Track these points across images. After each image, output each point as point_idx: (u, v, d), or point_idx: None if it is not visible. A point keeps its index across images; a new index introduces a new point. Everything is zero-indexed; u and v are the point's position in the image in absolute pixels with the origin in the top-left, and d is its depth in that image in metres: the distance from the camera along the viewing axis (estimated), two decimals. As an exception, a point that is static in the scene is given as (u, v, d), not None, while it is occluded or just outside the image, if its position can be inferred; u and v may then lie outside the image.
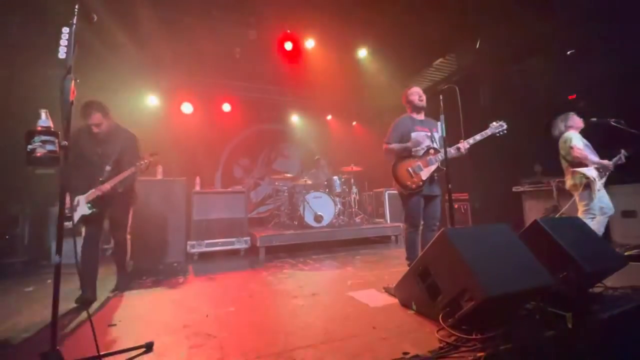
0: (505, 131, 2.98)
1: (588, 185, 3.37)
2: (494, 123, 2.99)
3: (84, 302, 2.51)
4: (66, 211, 2.50)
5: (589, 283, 2.13)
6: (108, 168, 2.75)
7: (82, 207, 2.67)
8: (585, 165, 3.42)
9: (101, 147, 2.82)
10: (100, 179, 2.71)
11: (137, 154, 2.94)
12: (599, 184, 3.34)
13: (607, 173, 3.45)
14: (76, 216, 2.64)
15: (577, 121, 3.69)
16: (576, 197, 3.51)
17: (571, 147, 3.48)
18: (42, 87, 4.24)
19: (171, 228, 4.52)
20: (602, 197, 3.38)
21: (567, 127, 3.68)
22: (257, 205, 7.39)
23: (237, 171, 7.32)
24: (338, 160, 7.75)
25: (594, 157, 3.45)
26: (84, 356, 1.50)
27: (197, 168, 6.11)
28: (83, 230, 2.87)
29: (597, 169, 3.40)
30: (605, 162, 3.42)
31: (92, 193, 2.68)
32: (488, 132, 2.97)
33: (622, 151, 3.46)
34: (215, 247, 4.70)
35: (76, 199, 2.67)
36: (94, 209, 2.69)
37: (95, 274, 2.75)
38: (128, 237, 3.25)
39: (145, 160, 2.85)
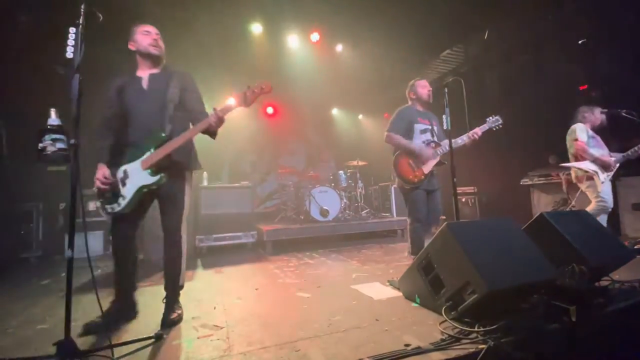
0: (500, 125, 2.97)
1: (591, 177, 3.31)
2: (490, 118, 2.99)
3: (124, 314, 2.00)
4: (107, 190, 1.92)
5: (595, 276, 2.11)
6: (169, 126, 1.98)
7: (139, 176, 1.92)
8: (584, 159, 3.38)
9: (147, 102, 2.02)
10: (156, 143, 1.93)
11: (201, 99, 2.16)
12: (602, 176, 3.25)
13: (613, 168, 3.33)
14: (128, 191, 1.93)
15: (594, 117, 3.54)
16: (583, 190, 3.45)
17: (575, 140, 3.44)
18: (54, 86, 4.31)
19: (180, 223, 4.59)
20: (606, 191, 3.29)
21: (580, 120, 3.56)
22: (264, 200, 7.45)
23: (244, 166, 7.38)
24: (344, 154, 7.75)
25: (594, 151, 3.37)
26: (96, 346, 1.56)
27: (204, 163, 6.15)
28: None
29: (598, 163, 3.31)
30: (606, 158, 3.31)
31: (155, 154, 1.90)
32: (485, 126, 2.96)
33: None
34: (223, 241, 4.77)
35: (120, 169, 1.95)
36: (161, 174, 1.93)
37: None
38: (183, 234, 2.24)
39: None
